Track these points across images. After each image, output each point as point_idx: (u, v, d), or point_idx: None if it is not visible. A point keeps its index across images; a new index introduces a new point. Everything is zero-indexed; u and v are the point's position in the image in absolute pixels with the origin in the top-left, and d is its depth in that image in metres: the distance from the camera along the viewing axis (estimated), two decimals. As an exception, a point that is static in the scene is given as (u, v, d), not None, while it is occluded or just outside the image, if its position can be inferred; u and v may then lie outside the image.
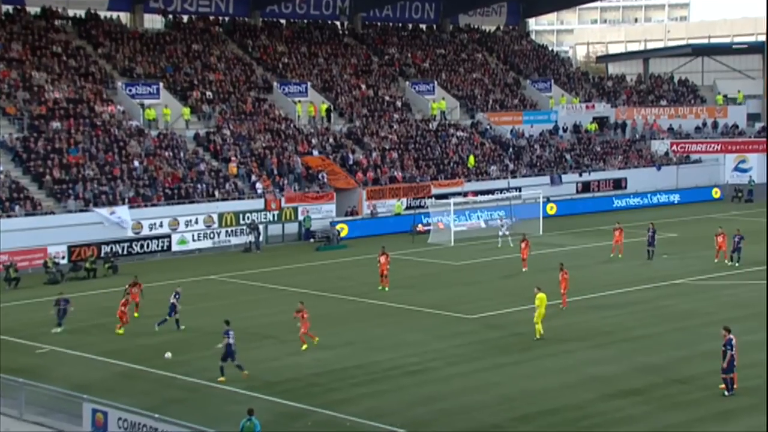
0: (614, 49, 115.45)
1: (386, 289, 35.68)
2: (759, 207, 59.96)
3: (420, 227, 51.18)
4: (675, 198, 63.78)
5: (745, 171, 69.06)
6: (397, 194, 54.82)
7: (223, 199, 48.79)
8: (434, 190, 55.64)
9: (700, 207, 60.56)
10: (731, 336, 23.25)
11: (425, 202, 54.16)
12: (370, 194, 53.90)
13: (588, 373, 24.90)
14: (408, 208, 54.50)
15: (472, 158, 60.22)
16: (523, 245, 39.78)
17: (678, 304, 33.26)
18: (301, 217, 50.73)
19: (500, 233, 46.39)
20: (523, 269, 39.22)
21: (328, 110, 59.86)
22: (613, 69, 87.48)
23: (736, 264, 39.51)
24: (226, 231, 48.19)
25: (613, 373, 24.94)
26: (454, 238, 48.26)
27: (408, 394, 23.68)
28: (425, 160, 58.76)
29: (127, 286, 32.04)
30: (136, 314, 31.57)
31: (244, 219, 48.59)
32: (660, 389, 23.56)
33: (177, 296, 30.31)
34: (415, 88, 66.20)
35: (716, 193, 65.01)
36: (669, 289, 35.79)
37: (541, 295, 28.45)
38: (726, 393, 22.89)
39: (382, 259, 36.14)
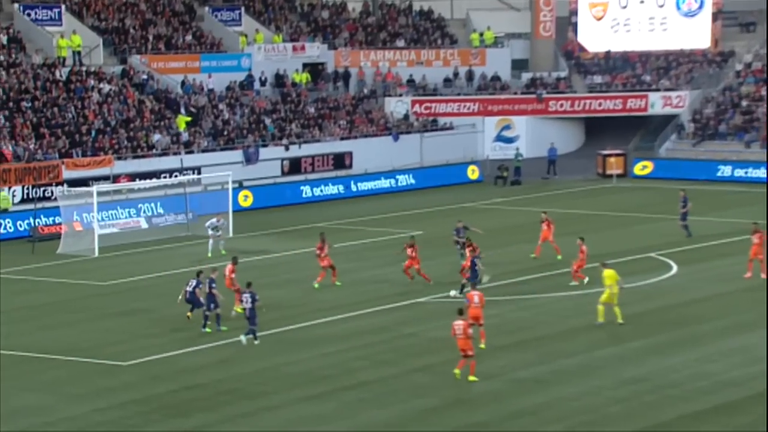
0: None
1: None
2: (531, 191, 63.70)
3: (44, 229, 50.54)
4: (417, 180, 66.46)
5: (510, 141, 73.52)
6: (7, 179, 53.44)
7: None
8: (67, 173, 54.93)
9: (452, 193, 63.29)
10: None
11: (53, 192, 53.23)
12: (-37, 180, 52.37)
13: (299, 438, 25.40)
14: (25, 200, 53.46)
15: (182, 119, 59.37)
16: (544, 226, 44.46)
17: (423, 331, 34.63)
18: None
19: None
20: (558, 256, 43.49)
21: None
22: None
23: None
24: None
25: (333, 435, 25.59)
26: (99, 246, 47.74)
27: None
28: (51, 128, 57.67)
29: None
30: None
31: None
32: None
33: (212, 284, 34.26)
34: (30, 15, 64.58)
35: (473, 172, 68.57)
36: (410, 311, 37.23)
37: (608, 272, 33.97)
38: None
39: None
